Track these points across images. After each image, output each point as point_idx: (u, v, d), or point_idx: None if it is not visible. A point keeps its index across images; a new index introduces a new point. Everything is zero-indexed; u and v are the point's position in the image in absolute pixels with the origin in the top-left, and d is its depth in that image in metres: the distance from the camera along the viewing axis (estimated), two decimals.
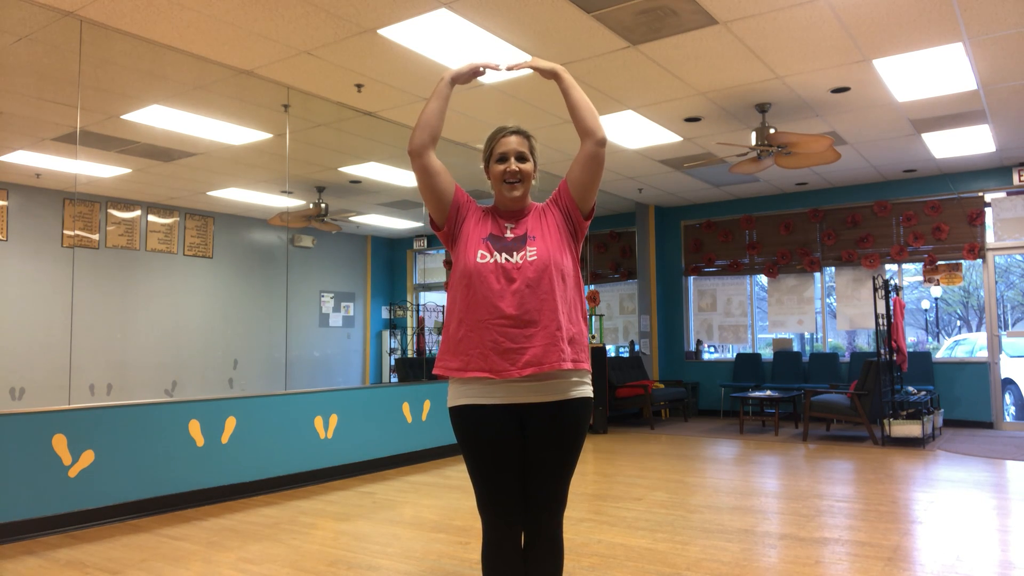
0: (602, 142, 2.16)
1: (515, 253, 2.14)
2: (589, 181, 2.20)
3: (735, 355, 10.55)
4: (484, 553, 2.14)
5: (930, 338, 22.08)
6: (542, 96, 6.00)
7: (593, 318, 10.10)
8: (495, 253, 2.14)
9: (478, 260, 2.14)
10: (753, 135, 6.46)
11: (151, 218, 9.92)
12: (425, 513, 4.72)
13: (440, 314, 13.06)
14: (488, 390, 2.11)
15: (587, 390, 2.18)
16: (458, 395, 2.16)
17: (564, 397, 2.12)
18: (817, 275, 9.92)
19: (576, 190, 2.22)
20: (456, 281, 2.19)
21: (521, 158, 2.21)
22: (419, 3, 4.34)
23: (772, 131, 6.33)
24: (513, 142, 2.21)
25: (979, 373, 8.72)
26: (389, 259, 13.62)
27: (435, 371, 2.21)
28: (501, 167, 2.21)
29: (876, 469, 6.04)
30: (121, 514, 4.60)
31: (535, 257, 2.12)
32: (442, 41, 4.88)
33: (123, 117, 6.37)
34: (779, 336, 10.21)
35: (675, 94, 6.02)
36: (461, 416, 2.15)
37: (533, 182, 2.26)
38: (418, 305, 13.38)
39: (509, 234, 2.19)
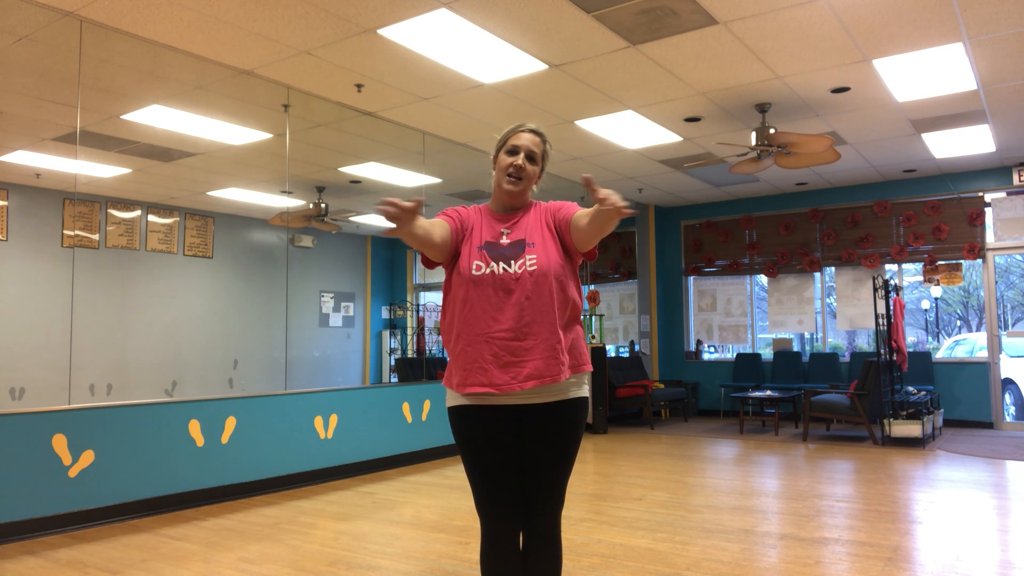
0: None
1: (513, 262, 2.10)
2: (589, 241, 2.11)
3: (735, 355, 10.54)
4: (483, 553, 2.14)
5: (930, 338, 22.08)
6: (542, 96, 6.01)
7: (593, 318, 10.11)
8: (491, 263, 2.10)
9: (474, 272, 2.10)
10: (753, 135, 6.45)
11: (151, 218, 9.92)
12: (425, 513, 4.72)
13: (440, 314, 13.04)
14: (488, 394, 2.11)
15: (584, 390, 2.19)
16: (457, 397, 2.16)
17: (561, 397, 2.13)
18: (817, 275, 9.92)
19: (576, 243, 2.13)
20: (452, 293, 2.15)
21: (531, 158, 2.19)
22: (419, 3, 4.34)
23: (772, 131, 6.33)
24: (527, 139, 2.19)
25: (979, 373, 8.72)
26: (389, 259, 13.62)
27: (444, 383, 2.21)
28: (509, 159, 2.17)
29: (876, 469, 6.04)
30: (121, 514, 4.60)
31: (535, 267, 2.08)
32: (442, 41, 4.88)
33: (123, 117, 6.37)
34: (779, 336, 10.21)
35: (675, 94, 6.02)
36: (459, 416, 2.15)
37: (534, 188, 2.25)
38: (418, 305, 13.38)
39: (505, 239, 2.15)
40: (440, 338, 12.85)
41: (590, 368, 2.21)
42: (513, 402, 2.10)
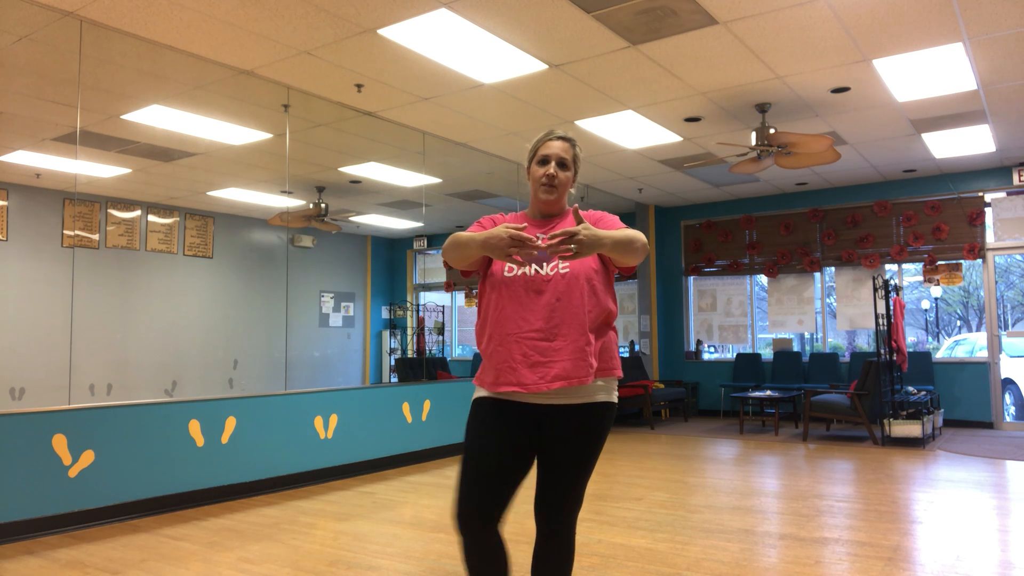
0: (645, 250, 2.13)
1: (545, 264, 2.12)
2: (615, 260, 2.16)
3: (735, 355, 10.55)
4: (464, 552, 2.10)
5: (930, 338, 22.09)
6: (542, 96, 6.01)
7: None
8: (524, 265, 2.12)
9: (506, 274, 2.12)
10: (753, 135, 6.46)
11: (151, 218, 9.92)
12: (425, 513, 4.72)
13: (440, 314, 13.08)
14: (515, 393, 2.11)
15: (613, 395, 2.17)
16: (485, 393, 2.17)
17: (587, 400, 2.11)
18: (817, 275, 9.92)
19: (611, 257, 2.16)
20: (486, 296, 2.18)
21: (562, 165, 2.22)
22: (419, 3, 4.34)
23: (772, 131, 6.33)
24: (557, 147, 2.23)
25: (979, 373, 8.72)
26: (389, 259, 13.62)
27: (475, 382, 2.22)
28: (541, 170, 2.21)
29: (876, 469, 6.04)
30: (121, 514, 4.60)
31: (567, 269, 2.10)
32: (442, 41, 4.88)
33: (123, 117, 6.37)
34: (779, 336, 10.21)
35: (675, 94, 6.02)
36: (481, 404, 2.16)
37: (571, 191, 2.28)
38: (418, 305, 13.38)
39: (540, 243, 2.16)
40: (439, 338, 12.90)
41: (620, 373, 2.19)
42: (539, 401, 2.10)
